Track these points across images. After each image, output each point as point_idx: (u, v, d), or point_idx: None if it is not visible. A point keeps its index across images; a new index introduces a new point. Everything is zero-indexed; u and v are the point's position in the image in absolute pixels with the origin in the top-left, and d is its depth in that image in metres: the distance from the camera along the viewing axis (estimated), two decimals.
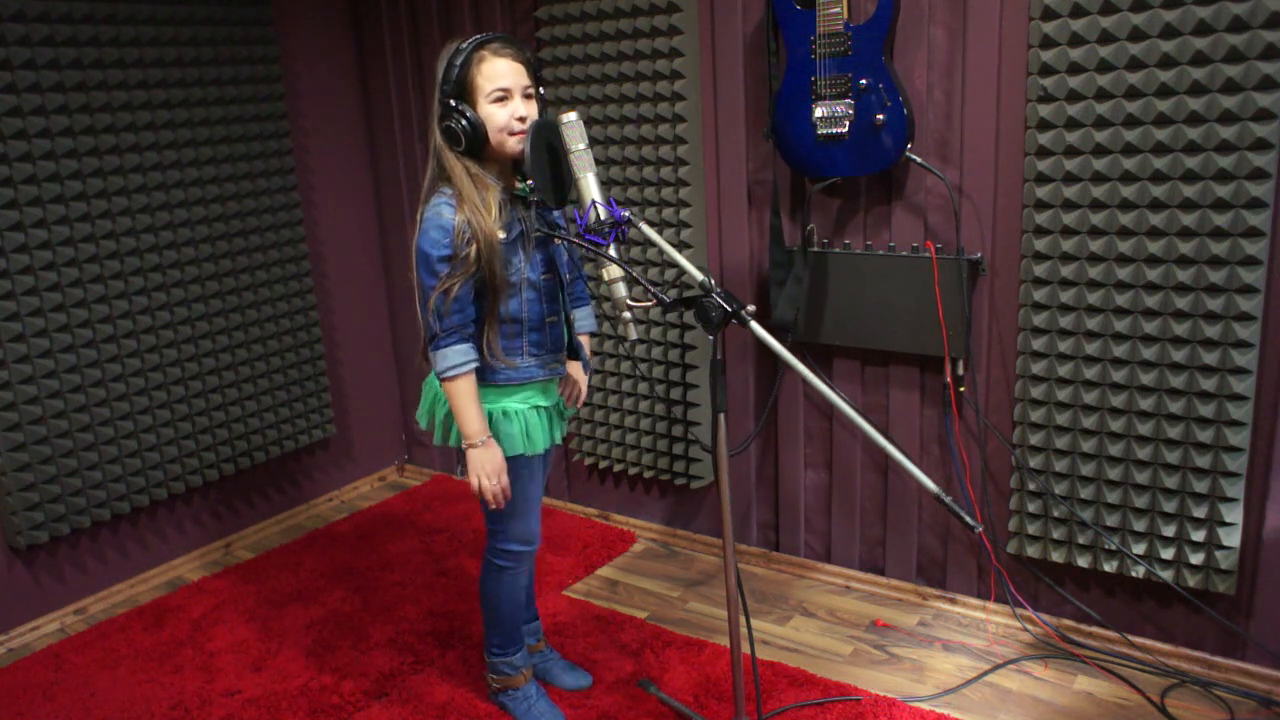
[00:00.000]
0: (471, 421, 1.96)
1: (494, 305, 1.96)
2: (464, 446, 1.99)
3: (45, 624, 2.86)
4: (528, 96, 1.93)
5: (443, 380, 1.95)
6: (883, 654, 2.53)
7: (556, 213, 2.12)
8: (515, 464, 2.06)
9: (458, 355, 1.93)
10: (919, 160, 2.43)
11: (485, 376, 2.01)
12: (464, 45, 1.90)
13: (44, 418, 2.74)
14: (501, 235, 1.93)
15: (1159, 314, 2.20)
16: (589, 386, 3.16)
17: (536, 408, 2.08)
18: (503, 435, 2.03)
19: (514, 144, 1.92)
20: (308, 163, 3.42)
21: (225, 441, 3.21)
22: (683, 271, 2.42)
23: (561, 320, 2.10)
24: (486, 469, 1.98)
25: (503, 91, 1.90)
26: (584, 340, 2.25)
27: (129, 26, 2.81)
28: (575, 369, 2.25)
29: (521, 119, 1.91)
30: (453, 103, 1.89)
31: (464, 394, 1.95)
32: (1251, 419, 2.17)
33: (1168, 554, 2.30)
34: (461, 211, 1.89)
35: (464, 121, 1.88)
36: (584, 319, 2.23)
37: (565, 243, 2.07)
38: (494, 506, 2.02)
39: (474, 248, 1.89)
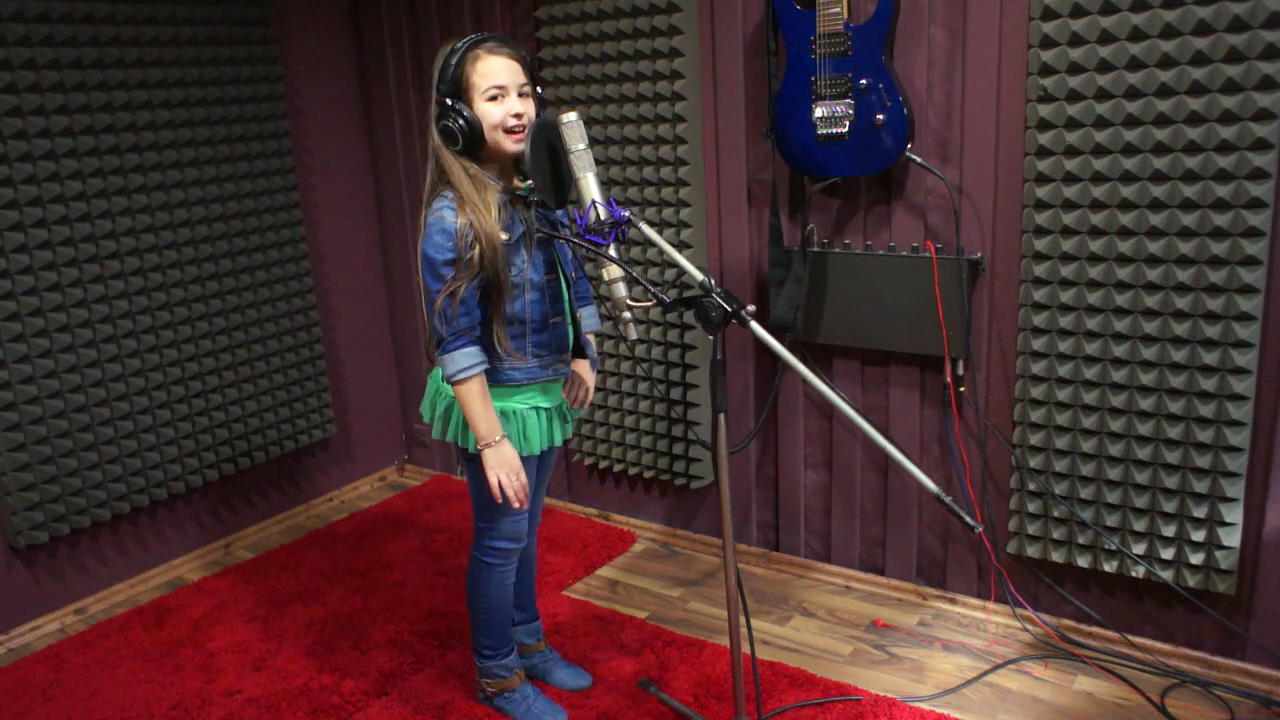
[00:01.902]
0: (484, 423, 1.96)
1: (499, 305, 1.96)
2: (479, 448, 1.99)
3: (45, 624, 2.86)
4: (523, 95, 1.93)
5: (453, 384, 1.95)
6: (883, 654, 2.53)
7: (559, 212, 2.12)
8: None
9: (466, 358, 1.93)
10: (919, 160, 2.43)
11: (492, 377, 2.01)
12: (459, 45, 1.91)
13: (44, 418, 2.74)
14: (504, 236, 1.93)
15: (1159, 314, 2.20)
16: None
17: (536, 409, 2.08)
18: None
19: (510, 142, 1.92)
20: (308, 163, 3.42)
21: (225, 441, 3.21)
22: (683, 271, 2.42)
23: (566, 320, 2.10)
24: (505, 468, 1.98)
25: (498, 89, 1.90)
26: (590, 340, 2.26)
27: (129, 26, 2.81)
28: (583, 368, 2.25)
29: (517, 115, 1.91)
30: (449, 101, 1.89)
31: (475, 396, 1.95)
32: (1251, 419, 2.17)
33: (1168, 554, 2.30)
34: (463, 213, 1.89)
35: (460, 120, 1.88)
36: (589, 318, 2.23)
37: (567, 242, 2.07)
38: (516, 505, 2.02)
39: (477, 249, 1.89)
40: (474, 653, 2.31)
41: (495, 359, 2.00)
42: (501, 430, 1.99)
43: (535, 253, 2.00)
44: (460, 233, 1.88)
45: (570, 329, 2.13)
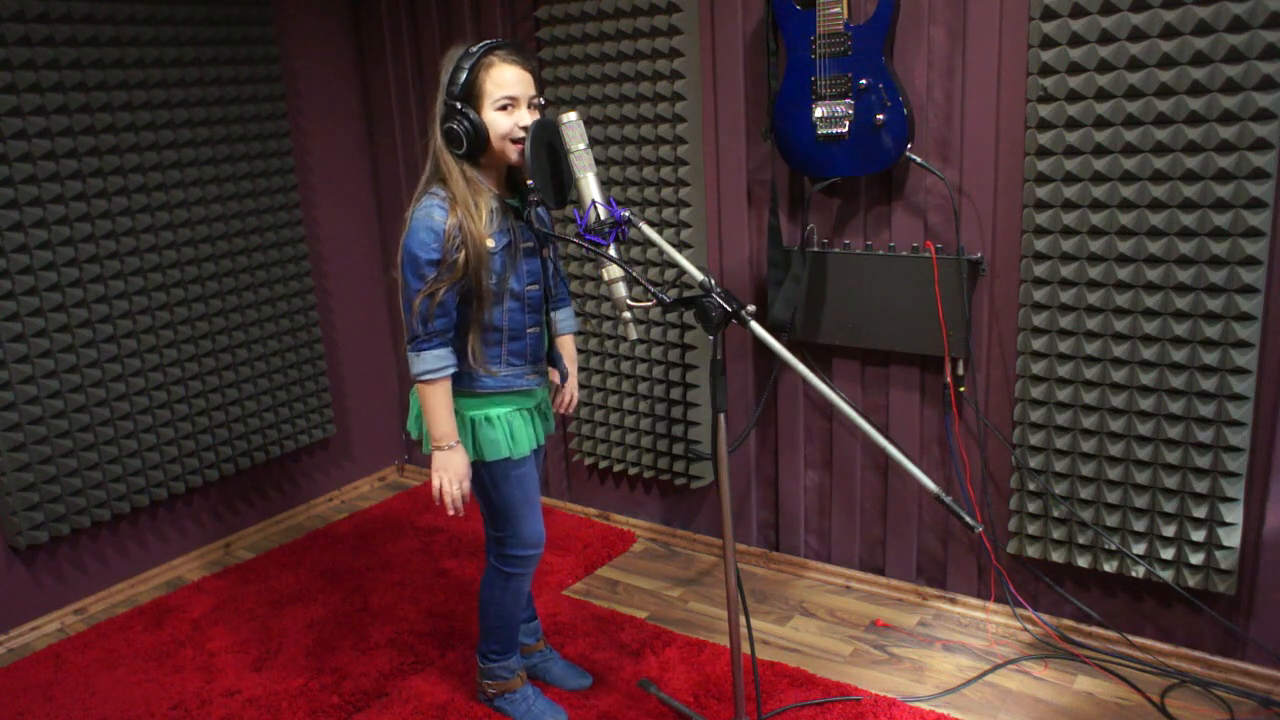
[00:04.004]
0: (441, 424, 1.96)
1: (479, 313, 1.96)
2: (433, 448, 1.98)
3: (45, 624, 2.86)
4: (532, 106, 1.93)
5: (419, 383, 1.95)
6: (883, 654, 2.53)
7: (547, 217, 2.11)
8: (504, 467, 2.06)
9: (435, 360, 1.93)
10: (919, 160, 2.43)
11: (466, 384, 2.01)
12: (473, 49, 1.90)
13: (44, 418, 2.74)
14: (490, 244, 1.92)
15: (1159, 314, 2.20)
16: (586, 387, 3.17)
17: (519, 410, 2.08)
18: (486, 442, 2.03)
19: (515, 153, 1.92)
20: (308, 163, 3.42)
21: (225, 441, 3.21)
22: (683, 271, 2.42)
23: (543, 330, 2.10)
24: (450, 473, 1.97)
25: (509, 99, 1.90)
26: (568, 341, 2.25)
27: (129, 26, 2.81)
28: (554, 379, 2.24)
29: (525, 128, 1.90)
30: (458, 105, 1.89)
31: (437, 398, 1.95)
32: (1251, 419, 2.17)
33: (1168, 554, 2.30)
34: (453, 214, 1.88)
35: (467, 124, 1.88)
36: (565, 320, 2.23)
37: (552, 249, 2.07)
38: (451, 513, 2.00)
39: (463, 254, 1.88)
40: (478, 655, 2.31)
41: (469, 367, 1.99)
42: (457, 436, 1.98)
43: (521, 263, 1.99)
44: (448, 233, 1.88)
45: (546, 338, 2.13)
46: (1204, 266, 2.12)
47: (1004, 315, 2.45)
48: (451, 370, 1.95)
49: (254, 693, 2.46)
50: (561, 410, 2.27)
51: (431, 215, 1.89)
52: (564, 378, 2.26)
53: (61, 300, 2.74)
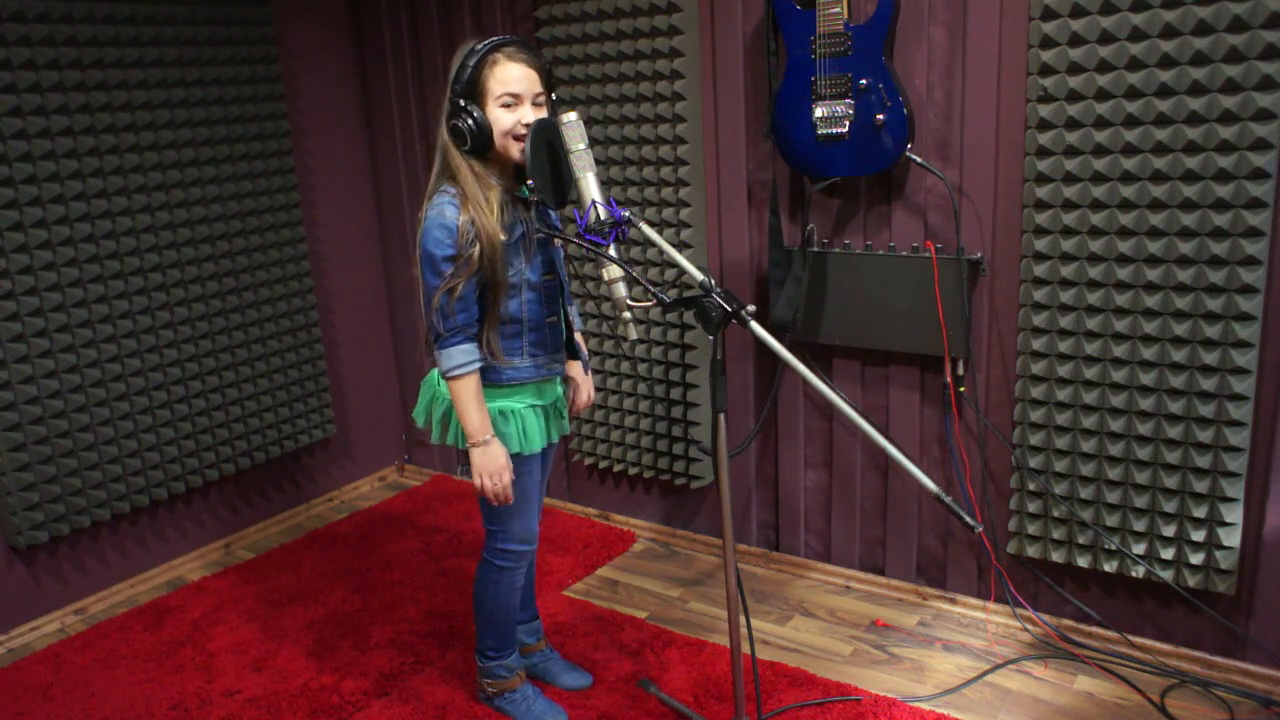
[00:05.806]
0: (475, 420, 1.97)
1: (494, 305, 1.97)
2: (468, 445, 1.99)
3: (45, 624, 2.86)
4: (537, 104, 1.94)
5: (448, 379, 1.96)
6: (883, 654, 2.53)
7: (554, 215, 2.12)
8: (513, 462, 2.06)
9: (462, 354, 1.94)
10: (919, 160, 2.43)
11: (484, 376, 2.02)
12: (479, 46, 1.91)
13: (44, 418, 2.74)
14: (503, 237, 1.93)
15: (1159, 314, 2.20)
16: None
17: (534, 407, 2.08)
18: (499, 435, 2.03)
19: (518, 150, 1.93)
20: (308, 163, 3.42)
21: (225, 441, 3.21)
22: (683, 271, 2.42)
23: (561, 321, 2.11)
24: (490, 468, 1.98)
25: (512, 97, 1.90)
26: (580, 341, 2.26)
27: (129, 26, 2.81)
28: (576, 370, 2.25)
29: (528, 125, 1.91)
30: (462, 102, 1.90)
31: (468, 393, 1.96)
32: (1251, 419, 2.17)
33: (1168, 554, 2.30)
34: (465, 211, 1.89)
35: (470, 121, 1.89)
36: (575, 317, 2.24)
37: (561, 244, 2.08)
38: (495, 503, 2.03)
39: (477, 248, 1.89)
40: (476, 653, 2.31)
41: (490, 358, 2.01)
42: (491, 430, 1.99)
43: (535, 254, 2.01)
44: (461, 230, 1.89)
45: (564, 330, 2.13)
46: (1204, 266, 2.12)
47: (1004, 315, 2.45)
48: (479, 364, 1.96)
49: (254, 693, 2.46)
50: (578, 408, 2.27)
51: (443, 213, 1.90)
52: (586, 367, 2.27)
53: (61, 300, 2.74)
